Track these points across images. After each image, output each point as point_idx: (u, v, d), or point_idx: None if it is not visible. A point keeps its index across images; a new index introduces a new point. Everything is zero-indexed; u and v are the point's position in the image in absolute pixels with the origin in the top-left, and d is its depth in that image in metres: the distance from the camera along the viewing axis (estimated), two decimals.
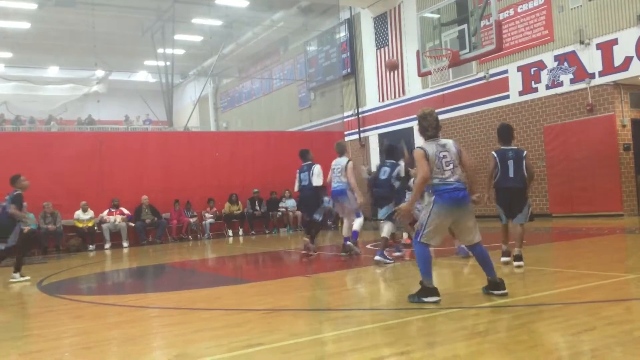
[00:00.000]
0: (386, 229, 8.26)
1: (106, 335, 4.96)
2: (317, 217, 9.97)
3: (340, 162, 9.36)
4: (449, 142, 5.30)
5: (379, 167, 8.92)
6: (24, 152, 14.80)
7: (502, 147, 7.11)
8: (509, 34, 15.54)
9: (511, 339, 3.93)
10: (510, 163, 6.91)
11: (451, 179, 5.10)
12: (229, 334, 4.57)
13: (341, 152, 9.54)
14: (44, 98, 26.17)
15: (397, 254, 8.81)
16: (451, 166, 5.14)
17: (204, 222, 16.98)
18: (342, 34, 22.18)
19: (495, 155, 7.05)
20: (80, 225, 15.25)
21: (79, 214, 15.29)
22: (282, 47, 26.06)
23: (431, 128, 5.29)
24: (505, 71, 15.94)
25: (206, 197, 17.08)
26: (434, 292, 5.09)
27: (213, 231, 17.08)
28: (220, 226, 17.41)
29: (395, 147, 9.14)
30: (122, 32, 23.94)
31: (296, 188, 10.22)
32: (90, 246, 15.07)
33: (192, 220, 16.80)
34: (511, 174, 6.90)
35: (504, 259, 7.11)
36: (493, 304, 5.00)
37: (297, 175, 10.02)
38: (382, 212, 8.44)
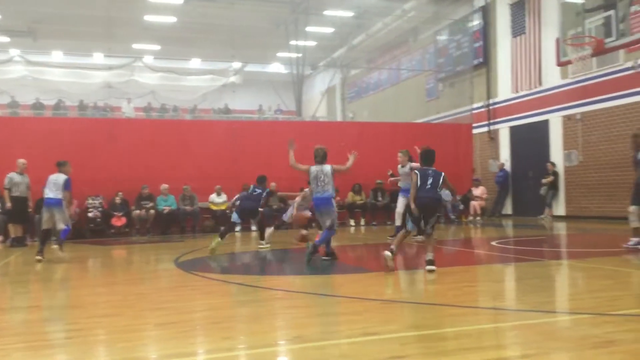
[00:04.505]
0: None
1: (233, 312, 5.28)
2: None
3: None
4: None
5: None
6: (168, 138, 16.06)
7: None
8: None
9: None
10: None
11: None
12: (347, 320, 4.67)
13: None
14: (186, 88, 28.24)
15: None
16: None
17: None
18: (476, 22, 21.39)
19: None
20: (214, 207, 16.24)
21: (213, 197, 16.29)
22: (411, 37, 25.71)
23: None
24: None
25: None
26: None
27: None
28: (343, 215, 17.64)
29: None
30: (258, 25, 25.01)
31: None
32: (222, 228, 15.95)
33: None
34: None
35: None
36: (631, 312, 4.62)
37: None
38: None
